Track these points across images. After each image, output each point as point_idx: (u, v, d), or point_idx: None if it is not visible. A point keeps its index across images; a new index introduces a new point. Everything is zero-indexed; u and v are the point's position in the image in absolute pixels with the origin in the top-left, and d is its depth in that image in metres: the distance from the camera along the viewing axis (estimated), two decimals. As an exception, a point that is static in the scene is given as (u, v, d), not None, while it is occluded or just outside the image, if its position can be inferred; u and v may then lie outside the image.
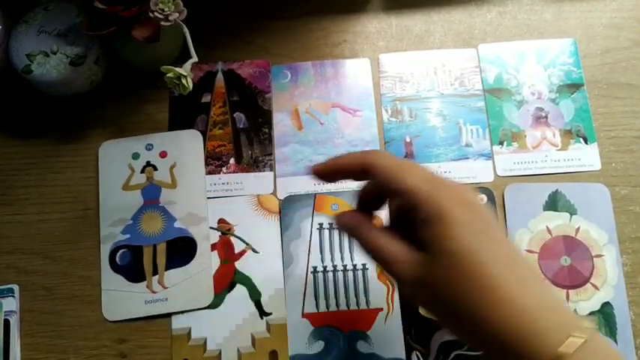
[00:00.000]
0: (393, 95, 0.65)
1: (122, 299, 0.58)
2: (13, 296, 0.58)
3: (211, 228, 0.60)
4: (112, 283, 0.59)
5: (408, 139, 0.63)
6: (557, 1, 0.69)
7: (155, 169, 0.62)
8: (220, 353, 0.56)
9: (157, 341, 0.57)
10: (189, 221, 0.60)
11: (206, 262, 0.59)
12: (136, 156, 0.63)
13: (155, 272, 0.59)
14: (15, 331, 0.57)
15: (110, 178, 0.62)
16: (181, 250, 0.59)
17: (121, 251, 0.59)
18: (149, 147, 0.63)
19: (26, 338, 0.57)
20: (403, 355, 0.56)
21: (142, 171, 0.62)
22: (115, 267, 0.59)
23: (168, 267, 0.59)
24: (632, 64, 0.66)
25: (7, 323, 0.57)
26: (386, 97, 0.65)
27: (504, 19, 0.68)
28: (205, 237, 0.60)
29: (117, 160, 0.63)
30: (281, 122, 0.64)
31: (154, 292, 0.58)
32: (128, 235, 0.60)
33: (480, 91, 0.65)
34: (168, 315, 0.58)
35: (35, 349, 0.57)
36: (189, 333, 0.57)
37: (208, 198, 0.61)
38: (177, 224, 0.60)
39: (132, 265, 0.59)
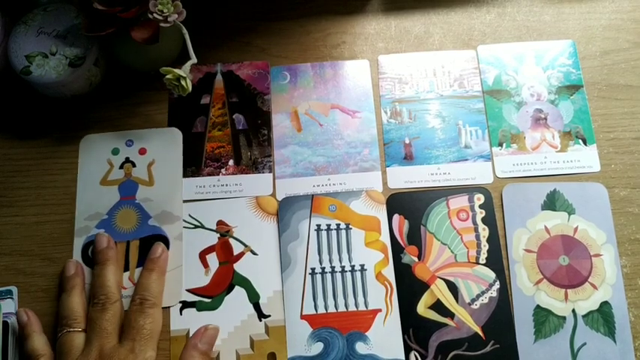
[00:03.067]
0: (392, 96, 0.65)
1: None
2: (11, 298, 0.58)
3: (210, 229, 0.60)
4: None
5: (407, 141, 0.63)
6: (556, 3, 0.69)
7: (134, 165, 0.62)
8: (219, 355, 0.56)
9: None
10: (163, 219, 0.60)
11: (177, 262, 0.59)
12: (115, 151, 0.63)
13: (127, 268, 0.59)
14: (13, 333, 0.56)
15: (89, 172, 0.62)
16: None
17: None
18: (129, 143, 0.63)
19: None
20: (402, 356, 0.56)
21: (121, 167, 0.62)
22: (87, 261, 0.59)
23: (139, 264, 0.59)
24: (631, 65, 0.66)
25: (5, 325, 0.56)
26: (385, 98, 0.65)
27: (503, 20, 0.68)
28: (178, 236, 0.60)
29: (97, 154, 0.63)
30: (280, 124, 0.64)
31: (124, 288, 0.58)
32: (102, 230, 0.60)
33: (479, 92, 0.65)
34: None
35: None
36: (187, 334, 0.57)
37: (207, 199, 0.61)
38: (151, 222, 0.60)
39: None
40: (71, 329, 0.54)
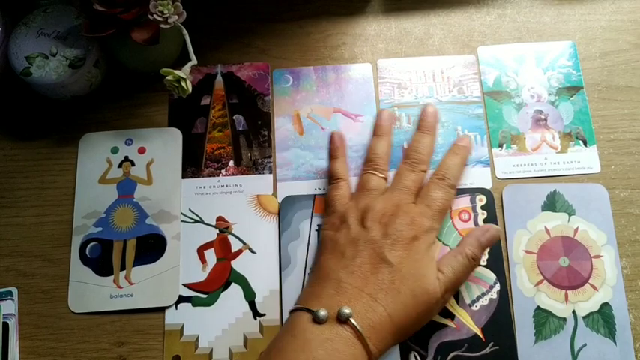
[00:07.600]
0: (391, 101, 0.65)
1: (88, 292, 0.58)
2: (11, 299, 0.58)
3: (209, 225, 0.60)
4: (80, 275, 0.59)
5: (406, 146, 0.63)
6: (557, 4, 0.69)
7: (132, 164, 0.63)
8: (212, 351, 0.56)
9: (156, 344, 0.57)
10: (161, 219, 0.60)
11: (174, 261, 0.59)
12: (114, 150, 0.63)
13: (123, 267, 0.59)
14: (14, 334, 0.57)
15: (88, 171, 0.62)
16: (151, 247, 0.60)
17: (91, 244, 0.60)
18: (129, 142, 0.63)
19: (25, 341, 0.57)
20: (398, 359, 0.55)
21: (120, 165, 0.63)
22: (84, 259, 0.59)
23: (136, 263, 0.59)
24: (631, 66, 0.66)
25: (5, 326, 0.57)
26: (384, 103, 0.65)
27: (503, 21, 0.68)
28: (176, 236, 0.60)
29: (96, 153, 0.63)
30: (282, 127, 0.64)
31: (120, 287, 0.58)
32: (100, 229, 0.60)
33: (478, 97, 0.65)
34: (157, 312, 0.58)
35: (34, 352, 0.57)
36: (182, 329, 0.57)
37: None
38: (149, 221, 0.60)
39: (101, 259, 0.59)
40: (375, 173, 0.58)
